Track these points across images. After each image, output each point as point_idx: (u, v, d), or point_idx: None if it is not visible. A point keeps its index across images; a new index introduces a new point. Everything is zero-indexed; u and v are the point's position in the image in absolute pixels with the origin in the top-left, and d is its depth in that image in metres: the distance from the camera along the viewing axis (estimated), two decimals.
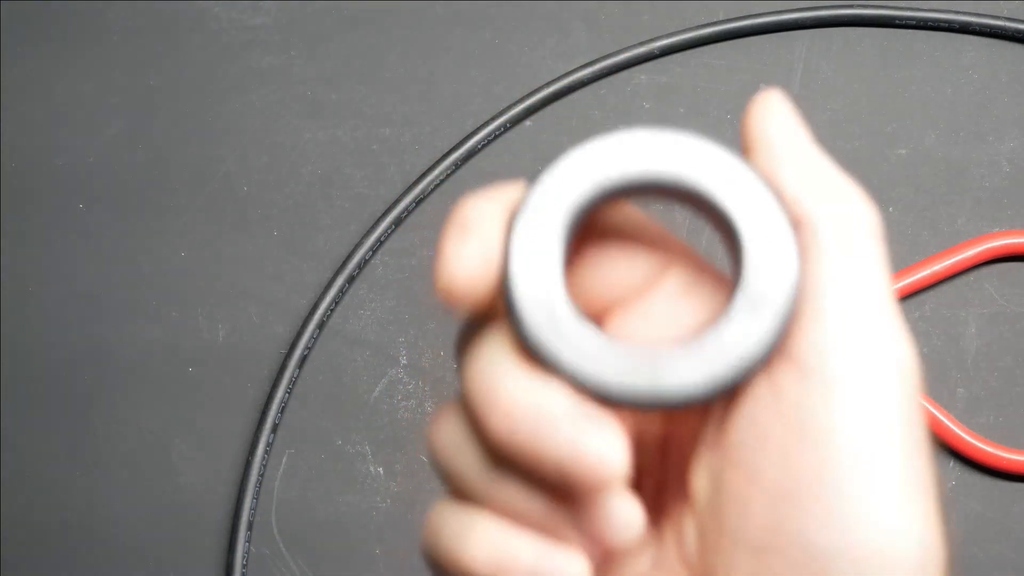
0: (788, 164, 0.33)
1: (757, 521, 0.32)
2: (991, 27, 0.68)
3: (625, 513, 0.32)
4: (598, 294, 0.35)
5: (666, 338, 0.34)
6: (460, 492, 0.35)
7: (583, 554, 0.33)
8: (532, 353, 0.32)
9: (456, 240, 0.33)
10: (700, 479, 0.34)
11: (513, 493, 0.33)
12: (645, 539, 0.35)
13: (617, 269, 0.35)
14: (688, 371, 0.32)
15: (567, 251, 0.34)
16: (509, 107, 0.69)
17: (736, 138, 0.70)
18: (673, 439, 0.36)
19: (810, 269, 0.32)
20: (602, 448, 0.31)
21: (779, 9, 0.69)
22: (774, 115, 0.34)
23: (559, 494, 0.32)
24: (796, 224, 0.32)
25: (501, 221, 0.33)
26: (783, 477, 0.31)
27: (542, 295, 0.33)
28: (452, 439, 0.34)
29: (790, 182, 0.33)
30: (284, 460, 0.66)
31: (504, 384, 0.32)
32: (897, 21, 0.69)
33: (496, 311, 0.33)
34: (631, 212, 0.35)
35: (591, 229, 0.35)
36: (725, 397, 0.33)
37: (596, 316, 0.35)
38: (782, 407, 0.31)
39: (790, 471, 0.31)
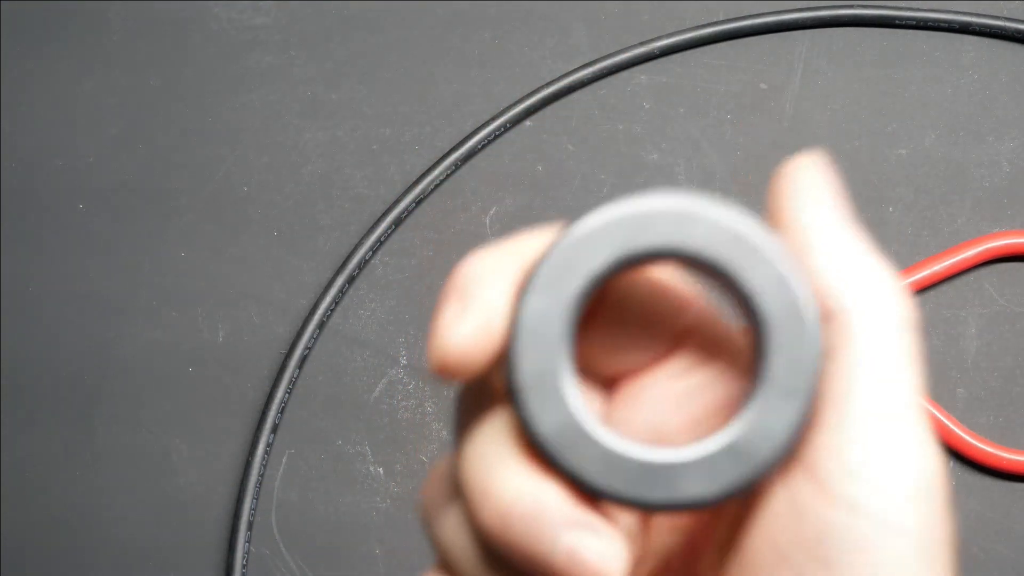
0: (822, 249, 0.30)
1: None
2: (991, 27, 0.68)
3: None
4: (609, 367, 0.33)
5: (678, 430, 0.32)
6: (447, 567, 0.32)
7: None
8: (535, 447, 0.30)
9: (455, 307, 0.30)
10: None
11: None
12: None
13: (631, 341, 0.33)
14: (703, 479, 0.30)
15: (578, 329, 0.31)
16: (509, 107, 0.69)
17: (736, 138, 0.70)
18: (689, 545, 0.34)
19: (839, 368, 0.30)
20: (602, 555, 0.29)
21: (779, 9, 0.69)
22: (808, 188, 0.31)
23: None
24: (826, 316, 0.30)
25: (507, 287, 0.30)
26: None
27: (551, 384, 0.30)
28: (443, 513, 0.32)
29: (823, 269, 0.30)
30: (284, 460, 0.66)
31: (501, 476, 0.30)
32: (897, 21, 0.69)
33: (497, 383, 0.31)
34: (646, 279, 0.33)
35: (605, 295, 0.33)
36: (739, 499, 0.31)
37: (604, 382, 0.33)
38: (804, 529, 0.30)
39: None
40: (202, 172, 0.70)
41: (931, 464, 0.30)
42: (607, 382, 0.33)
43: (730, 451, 0.30)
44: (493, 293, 0.30)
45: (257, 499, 0.65)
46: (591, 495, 0.30)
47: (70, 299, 0.69)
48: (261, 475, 0.65)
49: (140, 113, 0.71)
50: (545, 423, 0.30)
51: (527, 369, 0.30)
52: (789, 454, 0.30)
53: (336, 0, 0.71)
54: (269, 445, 0.66)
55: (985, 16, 0.68)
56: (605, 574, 0.29)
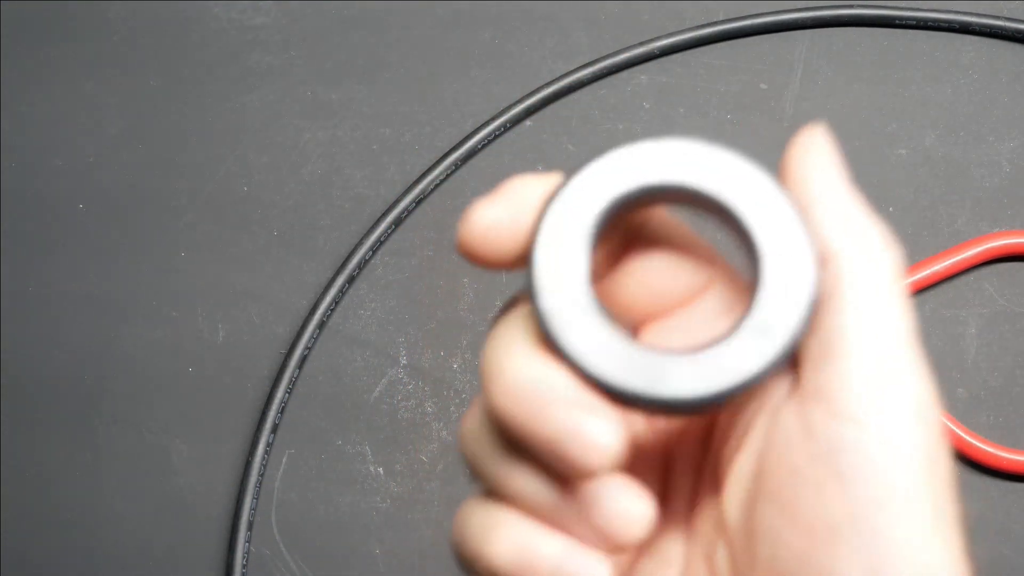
0: (822, 203, 0.34)
1: (789, 553, 0.33)
2: (991, 27, 0.68)
3: (630, 506, 0.33)
4: (639, 301, 0.35)
5: (678, 344, 0.35)
6: (483, 483, 0.35)
7: (608, 558, 0.33)
8: (545, 336, 0.33)
9: (489, 199, 0.34)
10: (732, 508, 0.35)
11: (522, 481, 0.34)
12: (676, 559, 0.36)
13: (661, 278, 0.35)
14: (686, 379, 0.33)
15: (596, 245, 0.34)
16: (509, 107, 0.69)
17: (736, 138, 0.70)
18: (707, 459, 0.37)
19: (836, 306, 0.33)
20: (596, 432, 0.32)
21: (779, 9, 0.69)
22: (814, 154, 0.35)
23: (565, 483, 0.33)
24: (823, 261, 0.33)
25: (537, 199, 0.34)
26: (816, 512, 0.32)
27: (564, 282, 0.33)
28: (472, 424, 0.35)
29: (822, 220, 0.34)
30: (284, 460, 0.66)
31: (511, 358, 0.33)
32: (897, 21, 0.69)
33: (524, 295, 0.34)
34: (679, 224, 0.36)
35: (638, 235, 0.36)
36: (720, 410, 0.34)
37: (635, 323, 0.36)
38: (814, 446, 0.32)
39: (823, 507, 0.32)
40: (202, 172, 0.70)
41: (926, 390, 0.33)
42: (636, 324, 0.36)
43: (717, 364, 0.33)
44: (526, 192, 0.35)
45: (257, 499, 0.65)
46: (590, 385, 0.33)
47: (70, 299, 0.69)
48: (261, 475, 0.65)
49: (140, 113, 0.71)
50: (556, 315, 0.33)
51: (544, 268, 0.33)
52: (769, 376, 0.33)
53: (336, 0, 0.71)
54: (269, 445, 0.66)
55: (985, 16, 0.68)
56: (602, 453, 0.32)
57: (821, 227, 0.34)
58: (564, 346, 0.33)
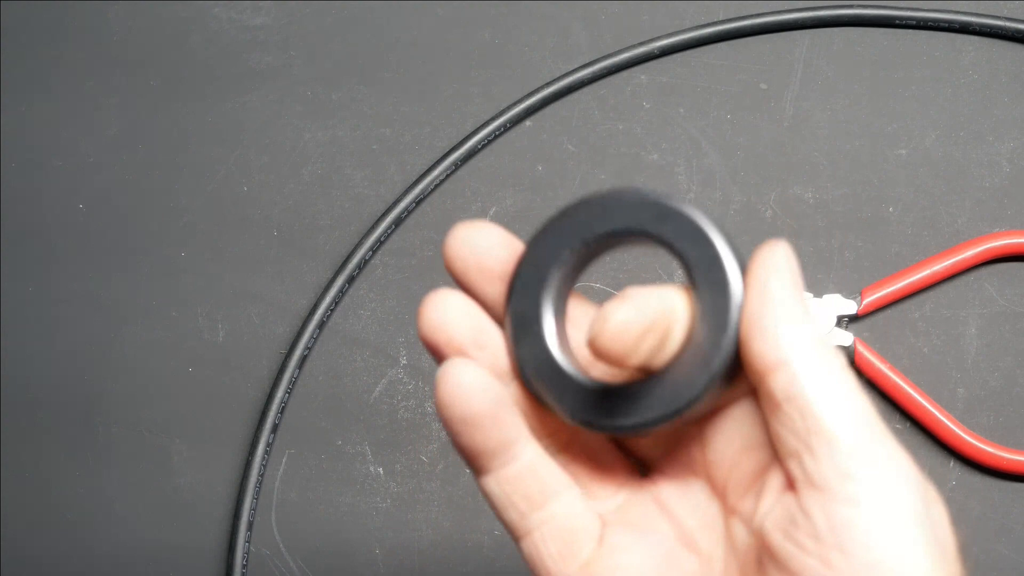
0: (777, 309, 0.37)
1: None
2: (991, 27, 0.68)
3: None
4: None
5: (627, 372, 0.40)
6: None
7: None
8: (522, 381, 0.39)
9: (618, 302, 0.38)
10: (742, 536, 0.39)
11: None
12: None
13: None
14: (636, 410, 0.38)
15: (564, 293, 0.40)
16: (509, 107, 0.69)
17: (736, 138, 0.70)
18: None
19: (802, 407, 0.37)
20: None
21: (779, 9, 0.69)
22: (775, 261, 0.38)
23: None
24: (776, 366, 0.37)
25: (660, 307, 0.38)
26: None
27: (534, 330, 0.39)
28: None
29: (776, 325, 0.37)
30: (284, 460, 0.66)
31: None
32: (897, 21, 0.69)
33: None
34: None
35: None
36: (665, 429, 0.38)
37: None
38: (815, 527, 0.36)
39: (829, 572, 0.36)
40: (202, 172, 0.70)
41: (903, 459, 0.37)
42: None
43: (659, 395, 0.38)
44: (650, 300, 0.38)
45: (257, 499, 0.65)
46: (565, 419, 0.39)
47: (70, 299, 0.69)
48: (261, 475, 0.65)
49: (140, 113, 0.71)
50: (530, 368, 0.39)
51: (517, 315, 0.39)
52: (708, 401, 0.38)
53: (336, 0, 0.71)
54: (269, 445, 0.66)
55: (985, 16, 0.68)
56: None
57: (776, 331, 0.37)
58: (536, 390, 0.39)
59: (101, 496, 0.66)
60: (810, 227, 0.67)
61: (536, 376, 0.39)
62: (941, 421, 0.63)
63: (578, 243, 0.39)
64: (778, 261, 0.38)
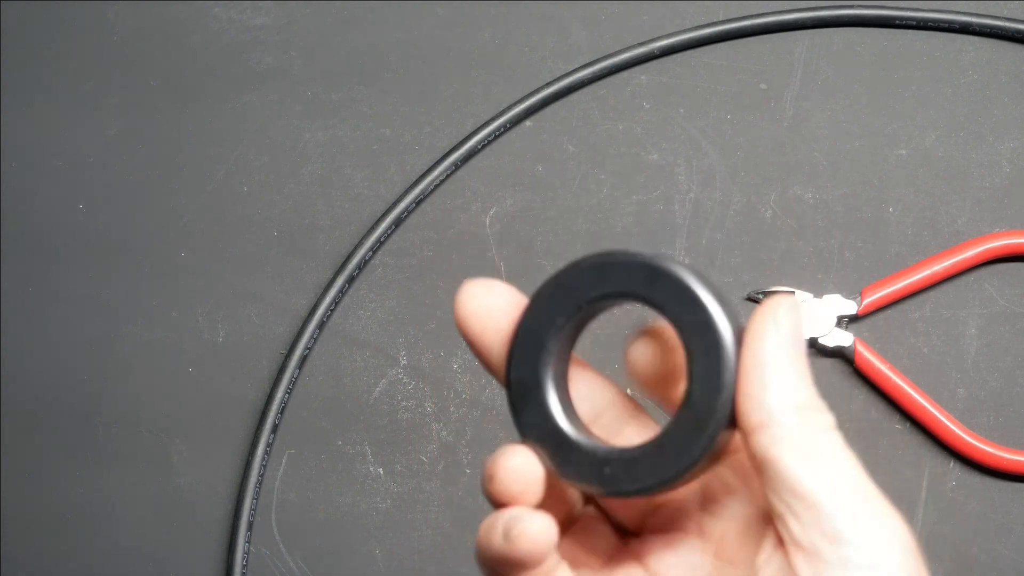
0: (770, 369, 0.37)
1: None
2: (991, 27, 0.68)
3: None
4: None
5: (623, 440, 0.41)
6: None
7: None
8: (524, 443, 0.40)
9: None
10: None
11: None
12: None
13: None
14: (633, 474, 0.39)
15: (564, 349, 0.41)
16: (509, 107, 0.69)
17: (736, 138, 0.70)
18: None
19: (789, 470, 0.37)
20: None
21: (779, 9, 0.69)
22: (773, 323, 0.38)
23: None
24: (758, 427, 0.37)
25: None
26: None
27: (536, 404, 0.40)
28: None
29: (768, 385, 0.37)
30: (284, 460, 0.66)
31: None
32: (897, 21, 0.69)
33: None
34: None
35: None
36: (666, 492, 0.39)
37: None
38: None
39: None
40: (202, 172, 0.70)
41: (895, 520, 0.37)
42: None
43: (654, 460, 0.38)
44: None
45: (257, 499, 0.65)
46: (563, 480, 0.39)
47: (70, 299, 0.69)
48: (261, 475, 0.65)
49: (140, 113, 0.71)
50: (530, 428, 0.40)
51: (518, 380, 0.40)
52: (703, 465, 0.38)
53: (336, 0, 0.71)
54: (269, 445, 0.66)
55: (985, 16, 0.68)
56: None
57: (760, 393, 0.37)
58: (539, 455, 0.39)
59: (101, 496, 0.66)
60: (810, 227, 0.67)
61: (539, 441, 0.40)
62: (941, 421, 0.63)
63: (572, 308, 0.40)
64: (777, 319, 0.38)
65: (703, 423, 0.38)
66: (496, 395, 0.66)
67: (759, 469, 0.37)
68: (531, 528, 0.38)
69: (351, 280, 0.67)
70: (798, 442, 0.37)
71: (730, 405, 0.38)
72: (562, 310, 0.40)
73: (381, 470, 0.66)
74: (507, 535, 0.38)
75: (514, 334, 0.40)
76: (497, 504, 0.39)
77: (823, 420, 0.37)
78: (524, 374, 0.40)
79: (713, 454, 0.38)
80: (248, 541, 0.65)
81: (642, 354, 0.40)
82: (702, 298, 0.39)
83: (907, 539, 0.37)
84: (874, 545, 0.36)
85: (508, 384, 0.40)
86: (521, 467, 0.39)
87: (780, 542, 0.37)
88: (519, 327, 0.40)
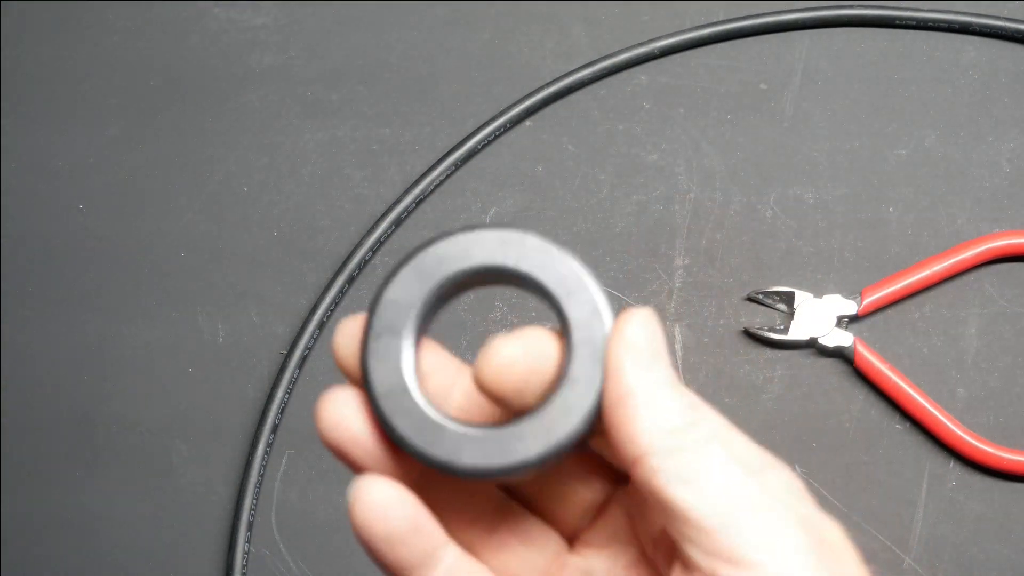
0: (639, 406, 0.36)
1: None
2: (991, 27, 0.68)
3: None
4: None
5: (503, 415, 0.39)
6: None
7: None
8: (375, 416, 0.39)
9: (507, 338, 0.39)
10: None
11: None
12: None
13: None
14: (521, 448, 0.38)
15: (421, 330, 0.40)
16: (509, 107, 0.69)
17: (736, 138, 0.70)
18: None
19: (661, 498, 0.36)
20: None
21: (779, 9, 0.69)
22: (634, 344, 0.37)
23: None
24: (634, 461, 0.36)
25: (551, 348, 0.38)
26: None
27: (392, 369, 0.39)
28: None
29: (637, 422, 0.36)
30: (284, 460, 0.66)
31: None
32: (897, 21, 0.69)
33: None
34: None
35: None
36: (547, 468, 0.38)
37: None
38: None
39: None
40: (202, 172, 0.70)
41: (792, 510, 0.36)
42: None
43: (537, 431, 0.37)
44: (542, 340, 0.38)
45: (257, 499, 0.65)
46: (439, 471, 0.38)
47: (70, 299, 0.69)
48: (261, 475, 0.65)
49: (140, 113, 0.71)
50: (396, 420, 0.38)
51: (375, 355, 0.39)
52: (584, 435, 0.37)
53: (336, 0, 0.71)
54: (269, 445, 0.66)
55: (985, 16, 0.68)
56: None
57: (635, 424, 0.36)
58: (410, 448, 0.38)
59: (101, 496, 0.66)
60: (810, 227, 0.67)
61: (407, 434, 0.38)
62: (941, 421, 0.63)
63: (438, 286, 0.39)
64: (630, 340, 0.37)
65: (560, 428, 0.37)
66: None
67: (646, 497, 0.36)
68: (376, 496, 0.37)
69: (351, 280, 0.67)
70: (676, 469, 0.35)
71: (594, 420, 0.37)
72: (419, 292, 0.39)
73: None
74: (355, 508, 0.37)
75: (366, 324, 0.39)
76: (342, 457, 0.39)
77: (698, 434, 0.36)
78: (385, 369, 0.39)
79: (563, 457, 0.38)
80: (248, 541, 0.65)
81: (509, 357, 0.38)
82: (598, 303, 0.38)
83: (801, 518, 0.36)
84: (779, 558, 0.35)
85: (367, 375, 0.39)
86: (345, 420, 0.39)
87: (687, 567, 0.36)
88: (370, 317, 0.39)
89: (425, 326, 0.40)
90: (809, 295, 0.66)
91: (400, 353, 0.39)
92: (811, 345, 0.65)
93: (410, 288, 0.39)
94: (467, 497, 0.40)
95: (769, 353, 0.66)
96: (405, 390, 0.39)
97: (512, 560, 0.40)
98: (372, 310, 0.39)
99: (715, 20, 0.69)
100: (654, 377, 0.36)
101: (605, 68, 0.69)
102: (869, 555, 0.37)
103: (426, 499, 0.38)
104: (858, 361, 0.64)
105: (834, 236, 0.67)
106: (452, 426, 0.38)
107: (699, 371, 0.66)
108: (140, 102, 0.71)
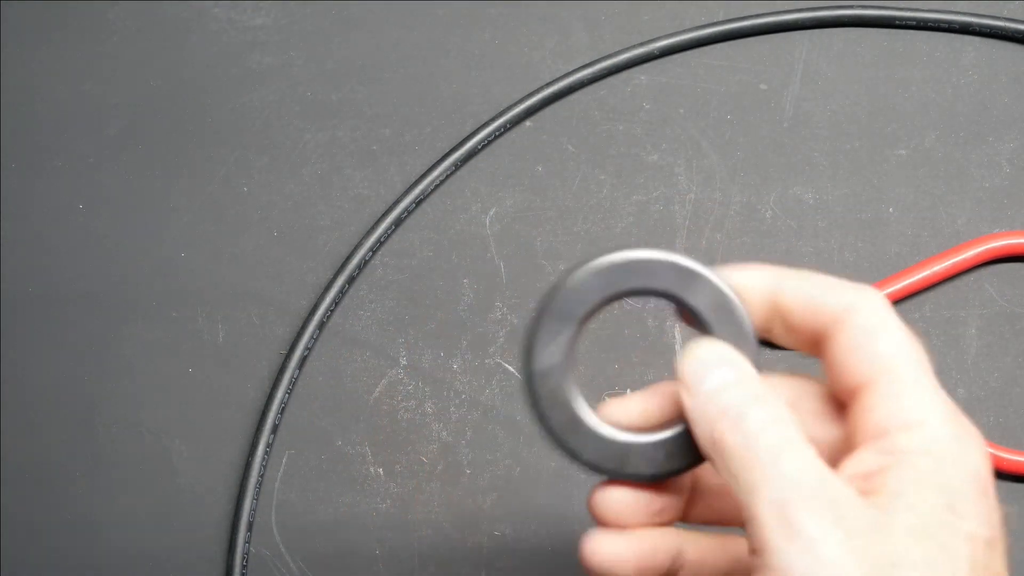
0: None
1: None
2: (991, 27, 0.68)
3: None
4: None
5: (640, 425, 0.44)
6: None
7: None
8: (535, 417, 0.43)
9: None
10: None
11: None
12: None
13: None
14: (641, 462, 0.43)
15: (576, 347, 0.44)
16: (509, 107, 0.69)
17: (736, 138, 0.70)
18: None
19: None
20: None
21: (779, 9, 0.69)
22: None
23: None
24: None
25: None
26: None
27: (557, 395, 0.43)
28: None
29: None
30: (284, 460, 0.66)
31: None
32: (897, 21, 0.69)
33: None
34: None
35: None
36: (669, 479, 0.43)
37: None
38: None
39: None
40: (202, 172, 0.70)
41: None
42: None
43: (661, 451, 0.42)
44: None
45: (257, 499, 0.65)
46: (579, 464, 0.43)
47: (70, 299, 0.69)
48: (261, 475, 0.65)
49: (140, 113, 0.71)
50: (551, 419, 0.43)
51: (540, 360, 0.43)
52: (689, 469, 0.43)
53: (336, 0, 0.71)
54: (269, 445, 0.66)
55: (985, 16, 0.68)
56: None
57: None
58: (551, 429, 0.43)
59: (101, 496, 0.66)
60: (810, 227, 0.67)
61: (561, 432, 0.43)
62: None
63: (596, 301, 0.43)
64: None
65: (675, 461, 0.43)
66: (496, 395, 0.66)
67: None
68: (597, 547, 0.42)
69: (351, 280, 0.67)
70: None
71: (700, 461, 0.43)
72: (585, 302, 0.43)
73: (381, 470, 0.66)
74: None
75: (535, 325, 0.43)
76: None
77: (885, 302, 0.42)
78: (547, 371, 0.43)
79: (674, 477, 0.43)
80: (248, 541, 0.65)
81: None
82: (722, 287, 0.44)
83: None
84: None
85: (531, 376, 0.43)
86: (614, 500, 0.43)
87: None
88: (540, 316, 0.43)
89: (588, 321, 0.44)
90: None
91: (564, 337, 0.43)
92: None
93: (590, 284, 0.43)
94: None
95: (769, 353, 0.66)
96: (563, 372, 0.43)
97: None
98: (553, 293, 0.43)
99: (715, 20, 0.69)
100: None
101: (605, 68, 0.69)
102: None
103: None
104: None
105: (834, 236, 0.67)
106: (590, 419, 0.43)
107: None
108: (140, 102, 0.71)
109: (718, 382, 0.41)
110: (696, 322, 0.44)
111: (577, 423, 0.43)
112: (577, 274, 0.43)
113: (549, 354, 0.43)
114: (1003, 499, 0.64)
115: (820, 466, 0.38)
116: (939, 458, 0.37)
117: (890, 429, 0.37)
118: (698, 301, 0.43)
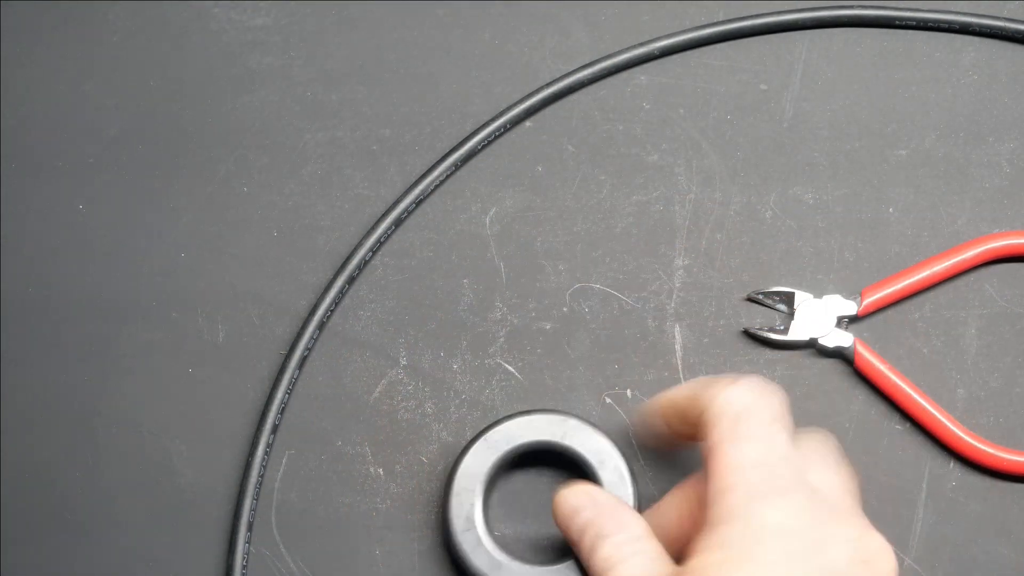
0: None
1: None
2: (991, 27, 0.68)
3: None
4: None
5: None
6: None
7: None
8: (454, 558, 0.61)
9: None
10: None
11: None
12: None
13: None
14: None
15: (488, 491, 0.61)
16: (509, 107, 0.69)
17: (736, 138, 0.70)
18: None
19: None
20: None
21: (779, 9, 0.69)
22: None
23: None
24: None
25: None
26: None
27: (467, 520, 0.61)
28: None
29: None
30: (284, 460, 0.66)
31: None
32: (897, 21, 0.69)
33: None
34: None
35: None
36: None
37: None
38: None
39: None
40: (202, 172, 0.70)
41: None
42: None
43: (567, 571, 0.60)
44: None
45: (257, 499, 0.65)
46: None
47: (70, 299, 0.69)
48: (261, 475, 0.65)
49: (140, 113, 0.71)
50: (462, 542, 0.61)
51: (455, 510, 0.61)
52: None
53: (336, 0, 0.71)
54: (269, 445, 0.66)
55: (985, 16, 0.68)
56: None
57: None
58: (462, 558, 0.61)
59: (101, 496, 0.66)
60: (810, 227, 0.67)
61: (475, 563, 0.60)
62: (941, 421, 0.63)
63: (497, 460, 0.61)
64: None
65: None
66: (496, 395, 0.66)
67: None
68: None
69: (351, 280, 0.67)
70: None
71: None
72: (479, 475, 0.60)
73: (381, 471, 0.66)
74: None
75: (445, 502, 0.60)
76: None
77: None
78: (463, 530, 0.60)
79: None
80: (248, 541, 0.65)
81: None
82: (623, 471, 0.60)
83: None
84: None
85: (450, 538, 0.60)
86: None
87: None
88: (447, 495, 0.61)
89: (491, 487, 0.60)
90: (809, 295, 0.66)
91: (473, 506, 0.60)
92: (811, 345, 0.65)
93: (481, 458, 0.60)
94: None
95: (769, 353, 0.66)
96: (476, 532, 0.60)
97: None
98: (451, 475, 0.61)
99: (715, 20, 0.69)
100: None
101: (605, 68, 0.69)
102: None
103: None
104: (858, 361, 0.64)
105: (834, 236, 0.67)
106: (508, 562, 0.60)
107: (699, 371, 0.66)
108: (140, 102, 0.71)
109: (583, 519, 0.56)
110: (577, 467, 0.59)
111: (497, 565, 0.60)
112: (465, 458, 0.61)
113: (464, 521, 0.60)
114: (1003, 499, 0.64)
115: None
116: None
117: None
118: (580, 448, 0.59)
